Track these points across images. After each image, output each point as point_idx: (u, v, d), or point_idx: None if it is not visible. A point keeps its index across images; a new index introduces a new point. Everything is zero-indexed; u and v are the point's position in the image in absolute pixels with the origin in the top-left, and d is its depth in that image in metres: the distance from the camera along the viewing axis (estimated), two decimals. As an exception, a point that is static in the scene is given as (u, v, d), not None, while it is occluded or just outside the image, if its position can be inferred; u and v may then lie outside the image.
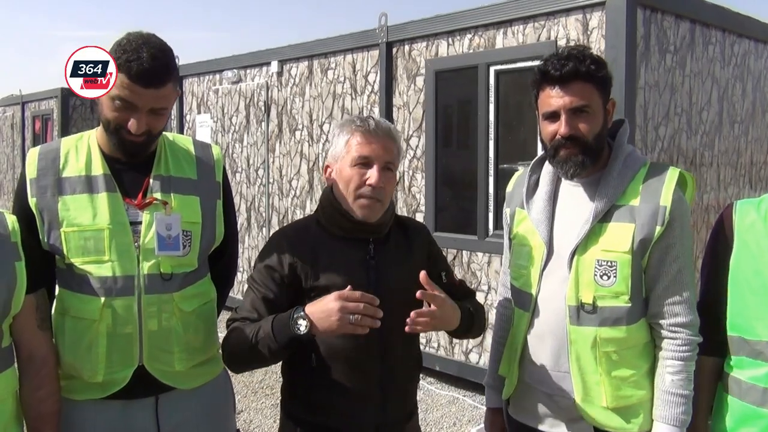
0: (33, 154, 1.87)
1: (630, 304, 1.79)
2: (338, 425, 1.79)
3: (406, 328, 1.67)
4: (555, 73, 1.78)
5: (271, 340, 1.64)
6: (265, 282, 1.78)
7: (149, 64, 1.70)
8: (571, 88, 1.78)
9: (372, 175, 1.76)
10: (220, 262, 2.04)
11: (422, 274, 1.70)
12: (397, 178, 1.96)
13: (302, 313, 1.61)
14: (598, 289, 1.79)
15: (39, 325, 1.74)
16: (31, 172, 1.83)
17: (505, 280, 2.13)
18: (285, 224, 6.53)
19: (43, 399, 1.75)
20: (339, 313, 1.57)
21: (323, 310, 1.59)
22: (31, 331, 1.73)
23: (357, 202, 1.78)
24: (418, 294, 1.68)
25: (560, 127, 1.80)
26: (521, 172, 2.10)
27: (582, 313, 1.81)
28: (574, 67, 1.77)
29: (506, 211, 2.10)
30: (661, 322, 1.81)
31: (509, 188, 2.12)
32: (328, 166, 1.86)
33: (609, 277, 1.79)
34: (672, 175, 1.81)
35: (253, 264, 1.90)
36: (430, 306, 1.70)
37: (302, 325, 1.60)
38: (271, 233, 7.14)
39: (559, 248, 1.87)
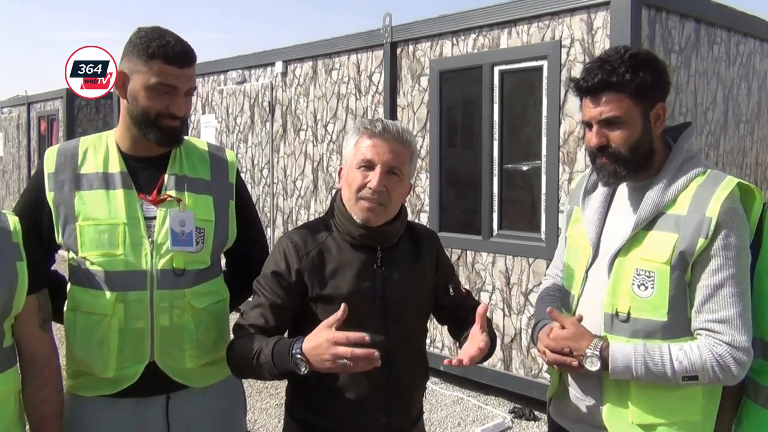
0: (52, 150, 1.92)
1: (666, 319, 1.70)
2: (344, 430, 1.78)
3: (445, 362, 1.65)
4: (583, 84, 1.75)
5: (271, 367, 1.64)
6: (273, 288, 1.77)
7: (180, 46, 1.80)
8: (601, 99, 1.73)
9: (373, 178, 1.74)
10: (251, 265, 2.00)
11: (480, 310, 1.69)
12: (409, 186, 1.87)
13: (300, 355, 1.58)
14: (635, 299, 1.72)
15: (41, 325, 1.75)
16: (49, 166, 1.87)
17: (553, 271, 2.13)
18: (289, 224, 6.57)
19: (45, 399, 1.75)
20: (331, 357, 1.54)
21: (318, 353, 1.56)
22: (33, 332, 1.73)
23: (357, 205, 1.76)
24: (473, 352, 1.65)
25: (591, 137, 1.77)
26: (587, 171, 2.06)
27: (615, 321, 1.75)
28: (602, 79, 1.71)
29: (568, 207, 2.08)
30: (701, 332, 1.70)
31: (573, 185, 2.11)
32: (341, 169, 1.86)
33: (646, 288, 1.70)
34: (726, 185, 1.69)
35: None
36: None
37: (301, 366, 1.58)
38: (275, 233, 7.15)
39: (604, 252, 1.83)
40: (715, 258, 1.66)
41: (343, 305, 1.58)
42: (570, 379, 1.89)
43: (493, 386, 4.91)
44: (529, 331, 4.46)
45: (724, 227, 1.66)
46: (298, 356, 1.59)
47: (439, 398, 4.97)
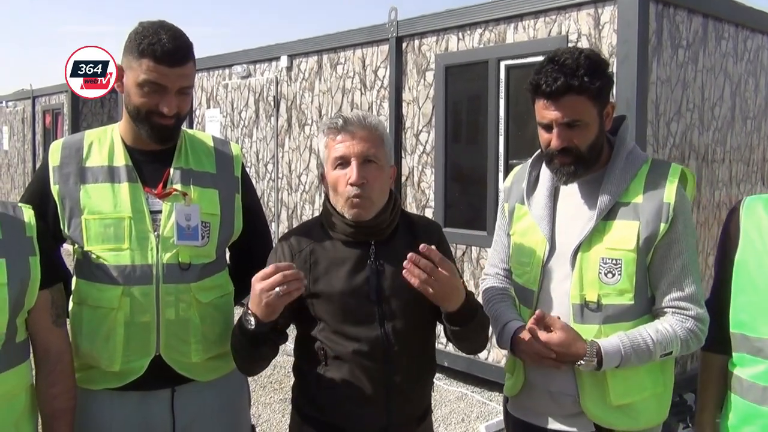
0: (57, 144, 1.91)
1: (633, 302, 1.79)
2: (344, 425, 1.78)
3: (403, 272, 1.61)
4: (546, 88, 1.77)
5: (241, 338, 1.69)
6: None
7: (172, 44, 1.76)
8: (562, 103, 1.76)
9: (351, 173, 1.73)
10: (255, 259, 1.97)
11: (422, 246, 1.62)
12: (391, 170, 1.83)
13: (247, 310, 1.64)
14: (603, 287, 1.79)
15: (54, 321, 1.74)
16: (54, 159, 1.87)
17: (493, 270, 2.15)
18: (294, 219, 6.57)
19: (58, 395, 1.75)
20: (262, 294, 1.57)
21: (253, 299, 1.61)
22: (46, 327, 1.73)
23: (344, 203, 1.75)
24: (421, 247, 1.60)
25: (553, 139, 1.80)
26: (521, 167, 2.08)
27: (586, 311, 1.81)
28: (565, 83, 1.74)
29: (504, 206, 2.09)
30: (666, 310, 1.81)
31: (507, 183, 2.12)
32: (322, 174, 1.84)
33: (614, 275, 1.78)
34: (674, 171, 1.83)
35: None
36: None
37: (251, 321, 1.63)
38: (279, 228, 7.15)
39: (561, 245, 1.87)
40: (678, 242, 1.78)
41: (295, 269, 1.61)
42: (537, 374, 1.90)
43: (498, 382, 4.90)
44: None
45: (680, 211, 1.78)
46: (247, 311, 1.64)
47: (443, 394, 4.97)
